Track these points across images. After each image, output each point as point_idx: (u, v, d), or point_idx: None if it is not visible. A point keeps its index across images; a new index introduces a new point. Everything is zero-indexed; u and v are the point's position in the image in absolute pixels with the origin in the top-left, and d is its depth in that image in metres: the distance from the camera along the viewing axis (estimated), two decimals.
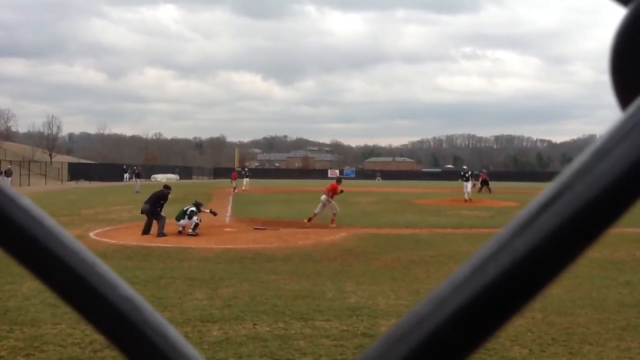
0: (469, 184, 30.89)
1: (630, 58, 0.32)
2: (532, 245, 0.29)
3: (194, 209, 15.51)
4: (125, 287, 0.36)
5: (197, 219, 15.35)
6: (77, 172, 68.42)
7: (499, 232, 0.30)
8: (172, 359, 0.35)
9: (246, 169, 57.86)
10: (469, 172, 31.46)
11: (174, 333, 0.36)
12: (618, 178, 0.28)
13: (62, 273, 0.35)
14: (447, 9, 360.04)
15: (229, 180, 40.48)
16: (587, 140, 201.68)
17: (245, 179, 44.87)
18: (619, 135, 0.29)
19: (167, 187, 16.61)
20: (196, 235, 15.04)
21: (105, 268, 0.36)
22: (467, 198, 30.32)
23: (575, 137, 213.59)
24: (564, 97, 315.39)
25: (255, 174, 46.96)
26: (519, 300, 0.29)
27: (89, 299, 0.35)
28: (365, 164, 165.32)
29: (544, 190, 0.30)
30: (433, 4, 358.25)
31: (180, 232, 15.29)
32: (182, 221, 15.43)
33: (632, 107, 0.31)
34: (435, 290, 0.31)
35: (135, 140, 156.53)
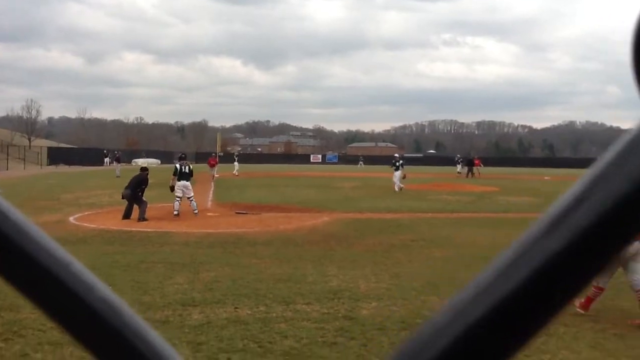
0: (398, 173, 27.01)
1: None
2: (565, 244, 0.27)
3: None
4: (103, 288, 0.34)
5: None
6: (56, 156, 67.55)
7: (528, 229, 0.28)
8: None
9: (236, 152, 56.92)
10: (400, 161, 27.48)
11: (154, 335, 0.34)
12: None
13: (34, 273, 0.33)
14: None
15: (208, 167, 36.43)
16: (568, 127, 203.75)
17: (235, 163, 43.79)
18: None
19: (144, 169, 16.47)
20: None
21: (81, 267, 0.34)
22: (397, 189, 26.72)
23: (555, 124, 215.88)
24: (544, 83, 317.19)
25: (238, 158, 46.16)
26: (554, 301, 0.28)
27: (64, 301, 0.33)
28: (348, 149, 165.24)
29: (574, 184, 0.28)
30: None
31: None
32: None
33: None
34: (457, 295, 0.29)
35: (116, 124, 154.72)
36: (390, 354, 0.31)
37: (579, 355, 5.43)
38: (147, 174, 16.25)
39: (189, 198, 16.18)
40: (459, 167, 50.78)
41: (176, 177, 16.25)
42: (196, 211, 16.17)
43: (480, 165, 48.62)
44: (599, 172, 0.28)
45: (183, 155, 17.67)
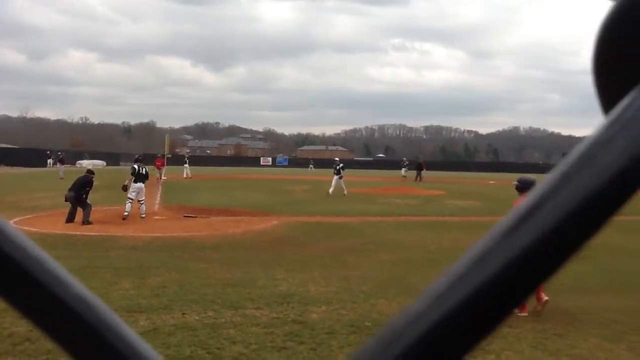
0: (338, 177, 26.53)
1: (617, 51, 0.31)
2: (534, 239, 0.29)
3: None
4: (79, 286, 0.34)
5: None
6: None
7: (497, 225, 0.30)
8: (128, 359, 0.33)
9: (186, 155, 55.81)
10: (341, 165, 27.06)
11: (131, 333, 0.34)
12: (622, 169, 0.29)
13: (7, 271, 0.32)
14: (377, 1, 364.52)
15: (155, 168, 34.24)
16: (512, 132, 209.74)
17: (186, 166, 42.88)
18: (618, 126, 0.30)
19: (90, 172, 16.10)
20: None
21: (56, 265, 0.34)
22: (345, 193, 26.03)
23: (500, 129, 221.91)
24: (490, 90, 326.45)
25: (189, 161, 45.23)
26: (519, 295, 0.29)
27: (39, 299, 0.32)
28: (299, 152, 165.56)
29: (544, 181, 0.30)
30: None
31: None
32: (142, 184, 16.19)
33: (628, 98, 0.31)
34: (432, 286, 0.30)
35: (60, 124, 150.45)
36: (350, 355, 0.32)
37: (522, 355, 5.59)
38: (93, 177, 15.88)
39: (139, 201, 16.13)
40: (403, 171, 51.46)
41: (133, 178, 16.18)
42: (143, 215, 16.07)
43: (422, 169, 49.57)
44: (565, 171, 0.30)
45: (140, 157, 17.71)
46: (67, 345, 0.33)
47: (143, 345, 0.34)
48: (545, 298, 6.96)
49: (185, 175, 41.57)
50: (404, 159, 63.55)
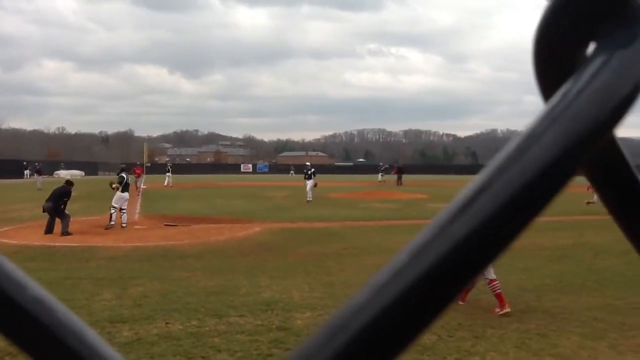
0: (310, 182, 26.24)
1: (552, 47, 0.33)
2: (469, 230, 0.29)
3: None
4: (36, 287, 0.33)
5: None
6: None
7: (436, 217, 0.30)
8: None
9: (169, 163, 55.40)
10: (312, 170, 26.88)
11: (91, 334, 0.33)
12: (550, 162, 0.29)
13: None
14: (351, 7, 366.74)
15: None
16: (489, 135, 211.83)
17: (167, 174, 42.71)
18: (548, 121, 0.31)
19: (69, 183, 15.95)
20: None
21: (12, 266, 0.33)
22: (309, 198, 25.94)
23: (478, 132, 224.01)
24: (465, 93, 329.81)
25: (165, 169, 44.91)
26: (458, 284, 0.30)
27: None
28: (279, 158, 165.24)
29: (478, 174, 0.31)
30: (337, 1, 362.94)
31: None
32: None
33: (557, 95, 0.32)
34: (374, 278, 0.31)
35: (36, 134, 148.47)
36: (297, 346, 0.32)
37: (507, 356, 5.63)
38: (72, 187, 15.73)
39: (121, 209, 16.33)
40: (380, 176, 51.63)
41: (121, 187, 16.59)
42: (124, 224, 16.09)
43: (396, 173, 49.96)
44: (498, 164, 0.30)
45: (124, 167, 18.63)
46: (26, 347, 0.32)
47: (105, 347, 0.34)
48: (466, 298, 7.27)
49: (166, 184, 41.25)
50: (381, 163, 63.72)
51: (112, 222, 15.99)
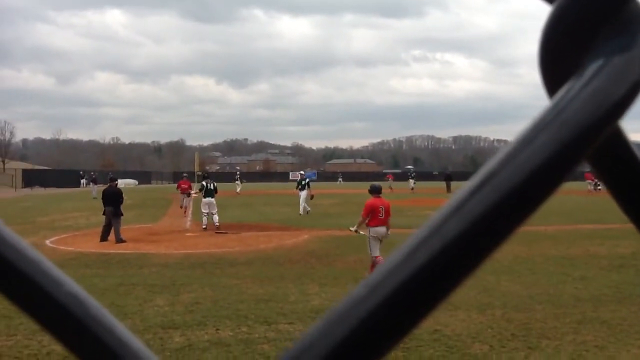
0: (304, 193, 24.03)
1: (554, 51, 0.34)
2: (460, 230, 0.30)
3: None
4: (71, 284, 0.35)
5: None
6: (31, 178, 66.49)
7: (430, 218, 0.31)
8: (119, 355, 0.34)
9: (237, 172, 57.18)
10: (306, 180, 25.04)
11: (121, 329, 0.35)
12: (539, 166, 0.30)
13: (5, 272, 0.34)
14: (393, 14, 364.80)
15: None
16: None
17: (237, 182, 45.17)
18: (540, 125, 0.31)
19: (112, 180, 16.40)
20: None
21: (50, 265, 0.35)
22: (302, 211, 23.31)
23: None
24: (514, 98, 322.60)
25: (216, 177, 45.86)
26: (449, 283, 0.30)
27: (35, 297, 0.34)
28: (327, 165, 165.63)
29: (474, 176, 0.32)
30: (379, 9, 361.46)
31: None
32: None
33: (553, 100, 0.32)
34: (371, 275, 0.32)
35: (92, 145, 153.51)
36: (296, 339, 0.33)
37: None
38: (117, 184, 16.09)
39: (212, 213, 18.23)
40: (411, 183, 50.54)
41: (202, 193, 18.63)
42: (217, 224, 17.98)
43: (390, 180, 49.43)
44: (491, 167, 0.31)
45: (206, 175, 21.08)
46: (62, 339, 0.34)
47: (134, 341, 0.35)
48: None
49: (238, 191, 42.98)
50: (411, 168, 62.59)
51: (204, 226, 17.91)
